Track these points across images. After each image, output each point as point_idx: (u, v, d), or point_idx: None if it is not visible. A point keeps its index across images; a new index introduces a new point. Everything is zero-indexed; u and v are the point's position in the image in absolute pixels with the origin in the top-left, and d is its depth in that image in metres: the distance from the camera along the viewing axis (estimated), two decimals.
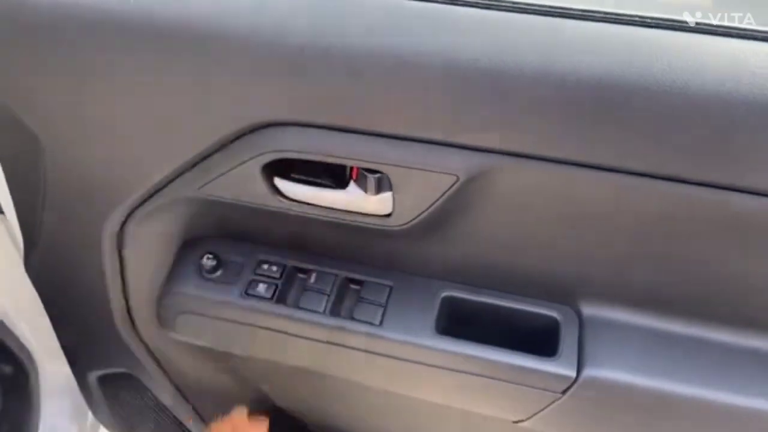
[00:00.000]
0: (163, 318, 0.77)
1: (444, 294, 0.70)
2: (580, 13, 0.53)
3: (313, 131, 0.58)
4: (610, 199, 0.56)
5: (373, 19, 0.54)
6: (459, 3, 0.55)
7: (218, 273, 0.73)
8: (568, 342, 0.65)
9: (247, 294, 0.71)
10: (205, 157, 0.63)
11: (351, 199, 0.63)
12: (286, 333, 0.71)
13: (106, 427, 1.15)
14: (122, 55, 0.58)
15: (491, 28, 0.53)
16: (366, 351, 0.69)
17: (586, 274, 0.65)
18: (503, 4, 0.55)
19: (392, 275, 0.72)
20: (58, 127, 0.66)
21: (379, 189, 0.61)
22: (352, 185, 0.63)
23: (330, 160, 0.60)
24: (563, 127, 0.52)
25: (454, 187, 0.58)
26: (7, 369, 1.29)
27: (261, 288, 0.71)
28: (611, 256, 0.62)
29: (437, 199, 0.59)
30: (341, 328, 0.69)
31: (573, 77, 0.50)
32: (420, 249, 0.69)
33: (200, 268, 0.74)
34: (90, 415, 1.37)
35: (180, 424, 1.04)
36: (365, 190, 0.62)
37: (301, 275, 0.73)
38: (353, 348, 0.69)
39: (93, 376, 1.00)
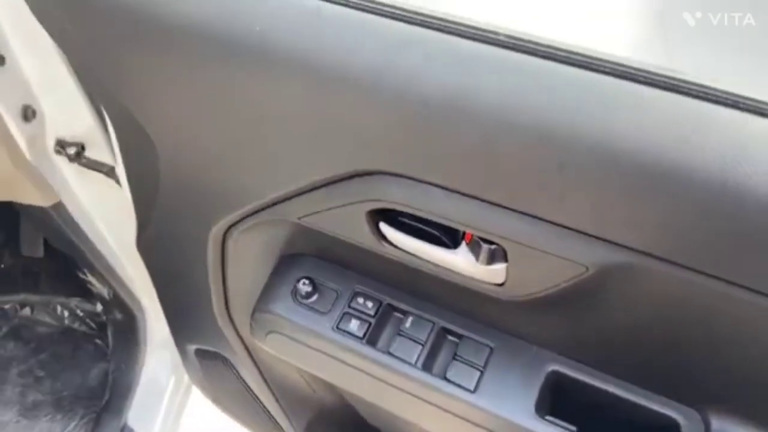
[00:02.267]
0: (255, 330, 0.76)
1: (551, 368, 0.63)
2: None
3: (429, 188, 0.52)
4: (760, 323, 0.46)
5: (516, 82, 0.45)
6: (640, 78, 0.42)
7: (312, 299, 0.71)
8: None
9: (338, 329, 0.68)
10: (311, 189, 0.59)
11: (460, 261, 0.57)
12: (373, 376, 0.67)
13: (199, 389, 1.21)
14: (245, 77, 0.54)
15: (672, 114, 0.41)
16: (456, 415, 0.64)
17: (721, 382, 0.55)
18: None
19: (494, 335, 0.65)
20: (174, 140, 0.65)
21: (492, 260, 0.54)
22: (463, 247, 0.56)
23: (442, 221, 0.53)
24: (724, 242, 0.42)
25: (581, 278, 0.50)
26: (120, 316, 1.40)
27: (353, 324, 0.68)
28: (753, 374, 0.52)
29: (558, 284, 0.52)
30: (432, 386, 0.64)
31: (753, 193, 0.40)
32: (529, 317, 0.62)
33: (295, 290, 0.71)
34: None
35: (264, 408, 1.06)
36: (476, 258, 0.55)
37: (396, 314, 0.69)
38: (443, 409, 0.64)
39: (191, 348, 1.03)
